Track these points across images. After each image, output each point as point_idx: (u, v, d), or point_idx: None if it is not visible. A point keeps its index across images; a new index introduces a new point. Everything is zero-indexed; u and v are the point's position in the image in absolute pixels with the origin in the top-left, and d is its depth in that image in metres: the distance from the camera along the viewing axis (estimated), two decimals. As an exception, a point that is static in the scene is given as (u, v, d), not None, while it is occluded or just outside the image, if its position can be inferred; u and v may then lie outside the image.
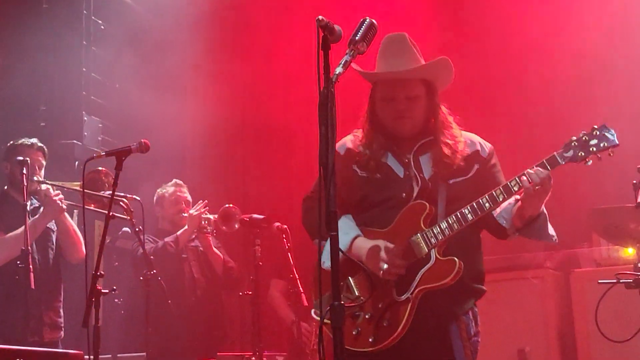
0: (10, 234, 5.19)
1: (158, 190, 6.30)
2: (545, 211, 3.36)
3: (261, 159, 8.28)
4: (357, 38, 2.84)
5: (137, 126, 7.26)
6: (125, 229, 5.72)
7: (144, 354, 5.39)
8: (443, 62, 3.49)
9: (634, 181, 4.06)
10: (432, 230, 3.30)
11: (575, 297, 5.96)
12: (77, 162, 6.63)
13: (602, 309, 4.38)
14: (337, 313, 2.58)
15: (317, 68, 2.76)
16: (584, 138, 3.21)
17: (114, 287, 4.46)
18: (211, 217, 6.05)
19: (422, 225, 3.33)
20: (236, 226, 6.14)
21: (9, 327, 5.07)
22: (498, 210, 3.35)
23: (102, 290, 4.21)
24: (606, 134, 3.19)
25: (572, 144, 3.22)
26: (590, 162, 3.20)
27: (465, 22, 7.65)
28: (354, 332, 3.34)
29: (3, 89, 6.82)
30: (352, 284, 3.41)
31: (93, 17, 7.31)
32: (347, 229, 3.42)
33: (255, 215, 6.15)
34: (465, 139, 3.53)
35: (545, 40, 7.22)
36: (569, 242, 6.80)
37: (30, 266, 4.80)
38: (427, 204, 3.34)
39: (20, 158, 5.22)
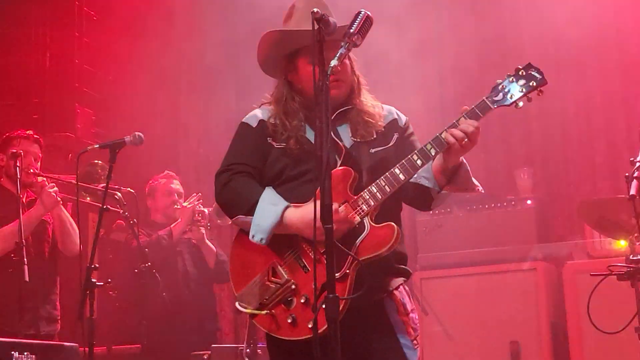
0: (5, 227, 5.17)
1: (150, 182, 6.27)
2: (464, 161, 3.16)
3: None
4: (352, 31, 2.84)
5: (130, 118, 7.26)
6: (120, 221, 5.71)
7: (139, 346, 5.40)
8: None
9: (626, 174, 4.05)
10: (362, 196, 3.05)
11: (567, 289, 5.98)
12: (70, 155, 6.63)
13: (594, 301, 4.38)
14: (332, 305, 2.57)
15: (313, 60, 2.77)
16: (510, 79, 3.06)
17: (109, 280, 4.45)
18: (205, 210, 6.04)
19: (349, 192, 3.07)
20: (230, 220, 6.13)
21: (5, 320, 5.06)
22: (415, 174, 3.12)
23: (97, 283, 4.21)
24: (533, 72, 3.05)
25: (500, 86, 3.06)
26: (521, 104, 3.06)
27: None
28: (288, 320, 3.04)
29: (-5, 82, 6.83)
30: (279, 266, 3.11)
31: (85, 8, 7.30)
32: (275, 199, 3.14)
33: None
34: (382, 109, 3.35)
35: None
36: (562, 234, 6.84)
37: (25, 259, 4.79)
38: (352, 170, 3.09)
39: (15, 150, 5.20)
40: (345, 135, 3.22)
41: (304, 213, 3.03)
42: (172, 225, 5.96)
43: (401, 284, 3.23)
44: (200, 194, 6.11)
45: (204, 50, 8.35)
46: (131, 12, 7.82)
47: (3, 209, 5.27)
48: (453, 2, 7.69)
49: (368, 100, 3.31)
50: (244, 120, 3.38)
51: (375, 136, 3.23)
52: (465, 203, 6.55)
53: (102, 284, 4.28)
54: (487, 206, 6.45)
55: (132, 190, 5.32)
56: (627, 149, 6.73)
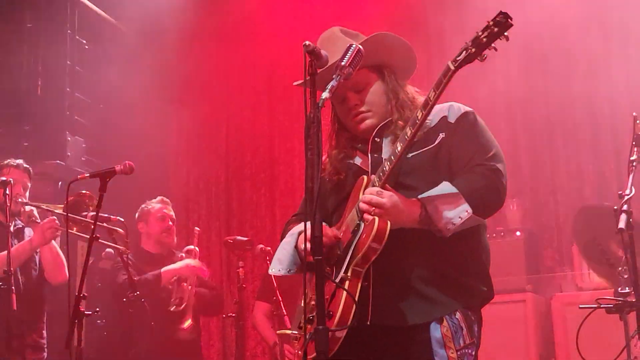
0: None
1: (142, 206, 6.23)
2: (433, 200, 2.81)
3: (245, 180, 8.29)
4: (343, 63, 2.85)
5: (120, 147, 7.26)
6: (109, 250, 5.69)
7: (126, 375, 5.37)
8: (378, 38, 3.09)
9: (615, 207, 4.08)
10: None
11: (556, 321, 5.98)
12: (60, 183, 6.61)
13: (582, 333, 4.39)
14: (321, 337, 2.53)
15: (304, 93, 2.79)
16: (476, 33, 2.68)
17: (97, 309, 4.43)
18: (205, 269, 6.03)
19: (359, 197, 2.90)
20: None
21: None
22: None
23: (85, 312, 4.19)
24: (498, 18, 2.63)
25: (465, 44, 2.71)
26: (485, 57, 2.68)
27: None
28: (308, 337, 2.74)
29: (-14, 109, 6.82)
30: (304, 286, 2.84)
31: (77, 37, 7.32)
32: (296, 230, 3.08)
33: (239, 237, 6.15)
34: (435, 110, 2.99)
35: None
36: (550, 265, 6.86)
37: (13, 287, 4.77)
38: (365, 177, 2.95)
39: (4, 178, 5.19)
40: (386, 147, 3.05)
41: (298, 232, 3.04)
42: (162, 270, 5.86)
43: (459, 311, 2.89)
44: (196, 248, 6.02)
45: (194, 79, 8.39)
46: (123, 40, 7.86)
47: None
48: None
49: (412, 108, 3.05)
50: None
51: (415, 141, 2.90)
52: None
53: (90, 313, 4.25)
54: (476, 237, 6.45)
55: (121, 219, 5.31)
56: (615, 181, 6.78)
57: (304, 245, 2.67)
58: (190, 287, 5.86)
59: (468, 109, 3.10)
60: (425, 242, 2.86)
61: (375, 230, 2.76)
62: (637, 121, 4.36)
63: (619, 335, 4.17)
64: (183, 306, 5.80)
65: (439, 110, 3.06)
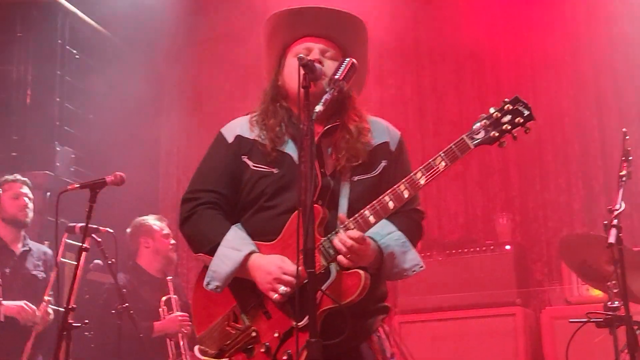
0: None
1: (142, 222, 6.17)
2: (390, 249, 2.91)
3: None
4: (337, 77, 2.86)
5: (110, 157, 7.23)
6: (97, 261, 5.65)
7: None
8: (359, 22, 3.15)
9: (605, 222, 4.09)
10: (330, 239, 2.83)
11: (545, 335, 5.99)
12: (49, 193, 6.57)
13: (572, 348, 4.40)
14: (314, 351, 2.53)
15: (299, 105, 2.78)
16: (495, 115, 2.76)
17: (86, 320, 4.39)
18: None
19: (316, 233, 2.80)
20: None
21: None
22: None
23: (74, 324, 4.16)
24: (520, 107, 2.76)
25: (482, 122, 2.77)
26: (505, 144, 2.77)
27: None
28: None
29: (-26, 119, 6.79)
30: (241, 311, 2.96)
31: (67, 47, 7.31)
32: (238, 242, 2.95)
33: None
34: (374, 127, 3.10)
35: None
36: (540, 279, 6.87)
37: (1, 298, 4.74)
38: (320, 207, 2.86)
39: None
40: (329, 158, 3.02)
41: (266, 263, 2.89)
42: (155, 323, 5.70)
43: (380, 326, 3.08)
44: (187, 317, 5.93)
45: (184, 89, 8.39)
46: (113, 51, 7.85)
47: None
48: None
49: (360, 114, 3.10)
50: (222, 129, 3.22)
51: (360, 161, 3.01)
52: (445, 248, 6.58)
53: (79, 325, 4.21)
54: (466, 251, 6.46)
55: (111, 230, 5.27)
56: (604, 195, 6.81)
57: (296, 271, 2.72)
58: (181, 342, 5.76)
59: (399, 132, 3.21)
60: None
61: (362, 284, 2.78)
62: (627, 137, 4.39)
63: (609, 349, 4.16)
64: None
65: (377, 127, 3.14)
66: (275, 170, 3.03)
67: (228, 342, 2.96)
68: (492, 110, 2.79)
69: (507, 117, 2.76)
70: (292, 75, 3.06)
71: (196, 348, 3.06)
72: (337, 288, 2.80)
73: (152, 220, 6.17)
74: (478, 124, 2.78)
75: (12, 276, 5.25)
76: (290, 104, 3.13)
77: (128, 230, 6.18)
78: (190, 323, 5.74)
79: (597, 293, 5.67)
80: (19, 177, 5.59)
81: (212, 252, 2.98)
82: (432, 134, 7.51)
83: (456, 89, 7.53)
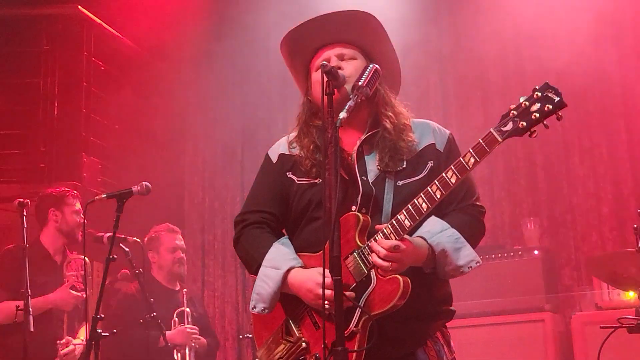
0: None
1: (152, 235, 6.17)
2: (442, 246, 2.84)
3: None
4: (360, 83, 2.84)
5: (136, 168, 7.28)
6: (125, 270, 5.68)
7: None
8: (363, 14, 3.08)
9: (635, 225, 4.04)
10: (369, 246, 2.79)
11: (576, 341, 5.92)
12: (76, 204, 6.62)
13: (604, 354, 4.34)
14: (340, 358, 2.51)
15: (322, 112, 2.77)
16: (524, 104, 2.64)
17: (114, 330, 4.41)
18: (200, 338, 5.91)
19: (357, 241, 2.82)
20: None
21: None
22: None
23: (102, 333, 4.18)
24: (549, 94, 2.61)
25: (511, 114, 2.65)
26: (536, 134, 2.65)
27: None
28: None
29: (3, 130, 6.86)
30: (292, 323, 2.97)
31: (93, 58, 7.37)
32: (278, 260, 2.96)
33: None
34: (418, 129, 3.06)
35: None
36: (569, 284, 6.81)
37: (30, 309, 4.76)
38: (359, 214, 2.85)
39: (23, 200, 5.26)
40: (372, 165, 2.98)
41: (304, 279, 2.88)
42: (166, 332, 5.57)
43: (438, 331, 3.00)
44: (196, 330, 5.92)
45: (209, 100, 8.41)
46: (138, 62, 7.90)
47: (43, 274, 5.30)
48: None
49: (399, 120, 3.03)
50: (268, 151, 3.22)
51: (404, 165, 2.96)
52: (472, 253, 6.53)
53: (107, 334, 4.24)
54: (494, 256, 6.41)
55: (138, 240, 5.31)
56: (634, 199, 6.74)
57: (321, 292, 2.66)
58: (187, 355, 5.75)
59: (448, 131, 3.14)
60: (411, 280, 2.78)
61: (402, 289, 2.72)
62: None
63: (640, 355, 4.11)
64: None
65: (423, 130, 3.08)
66: (317, 181, 3.01)
67: (284, 354, 2.96)
68: (521, 99, 2.67)
69: (537, 106, 2.63)
70: (317, 89, 3.02)
71: None
72: (378, 295, 2.77)
73: (161, 232, 6.13)
74: (507, 115, 2.67)
75: (53, 287, 5.26)
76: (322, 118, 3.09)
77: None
78: (199, 337, 5.74)
79: (628, 297, 5.60)
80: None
81: (257, 272, 3.02)
82: (457, 141, 7.46)
83: (480, 94, 7.49)
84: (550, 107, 2.61)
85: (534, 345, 6.01)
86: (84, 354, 4.24)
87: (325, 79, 2.80)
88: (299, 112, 3.19)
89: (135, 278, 5.39)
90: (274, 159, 3.16)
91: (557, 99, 2.61)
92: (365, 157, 3.01)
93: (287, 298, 2.98)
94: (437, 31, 7.66)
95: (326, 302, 2.69)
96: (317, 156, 3.02)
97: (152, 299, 5.23)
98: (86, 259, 5.35)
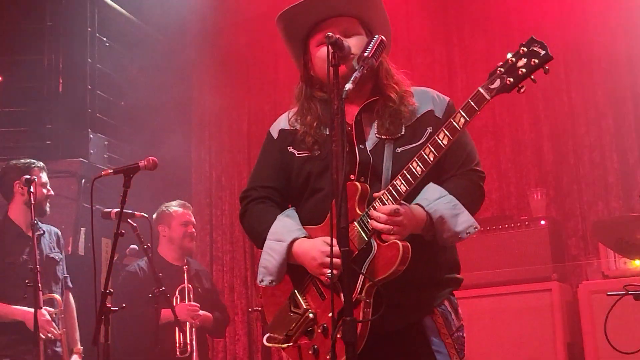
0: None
1: (163, 209, 6.19)
2: (439, 213, 2.85)
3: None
4: (366, 54, 2.84)
5: (142, 143, 7.29)
6: (133, 246, 5.71)
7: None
8: None
9: (640, 193, 4.05)
10: (368, 214, 2.82)
11: (583, 310, 5.94)
12: (83, 180, 6.64)
13: (611, 321, 4.36)
14: (349, 329, 2.52)
15: (328, 84, 2.78)
16: (510, 60, 2.64)
17: (123, 304, 4.44)
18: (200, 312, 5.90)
19: (357, 209, 2.84)
20: None
21: (19, 345, 5.07)
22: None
23: (112, 308, 4.21)
24: (535, 48, 2.60)
25: (498, 71, 2.66)
26: (523, 89, 2.64)
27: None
28: (310, 352, 2.90)
29: (8, 107, 6.87)
30: (299, 295, 3.00)
31: (97, 34, 7.35)
32: (282, 232, 2.99)
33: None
34: (418, 96, 3.06)
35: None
36: (576, 254, 6.82)
37: (39, 284, 4.80)
38: (357, 183, 2.86)
39: (28, 176, 5.24)
40: (371, 134, 3.00)
41: (309, 247, 2.91)
42: (163, 310, 5.46)
43: (446, 299, 3.01)
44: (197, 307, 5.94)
45: (214, 74, 8.40)
46: (143, 37, 7.88)
47: (12, 245, 5.29)
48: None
49: (400, 85, 3.04)
50: (270, 128, 3.25)
51: (403, 132, 2.97)
52: (479, 224, 6.53)
53: (116, 309, 4.27)
54: (500, 227, 6.42)
55: (146, 215, 5.33)
56: (639, 168, 6.73)
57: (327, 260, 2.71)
58: (193, 328, 5.76)
59: (447, 98, 3.11)
60: (414, 248, 2.79)
61: (401, 254, 2.74)
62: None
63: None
64: (188, 353, 5.70)
65: (422, 97, 3.07)
66: (317, 152, 3.04)
67: (292, 326, 2.98)
68: (508, 55, 2.66)
69: (523, 61, 2.62)
70: (321, 64, 3.03)
71: (265, 337, 3.08)
72: (379, 261, 2.78)
73: (174, 207, 6.16)
74: (494, 73, 2.67)
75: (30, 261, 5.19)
76: (326, 91, 3.09)
77: (154, 216, 6.21)
78: (199, 314, 5.75)
79: (634, 265, 5.63)
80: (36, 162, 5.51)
81: (263, 246, 3.05)
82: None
83: (486, 65, 7.46)
84: (537, 61, 2.60)
85: (542, 315, 6.03)
86: (95, 329, 4.25)
87: (331, 50, 2.79)
88: (298, 89, 3.20)
89: (143, 253, 5.42)
90: (275, 135, 3.19)
91: (542, 52, 2.60)
92: (364, 126, 3.01)
93: (293, 270, 3.00)
94: None
95: (329, 270, 2.74)
96: (318, 132, 3.05)
97: (160, 274, 5.25)
98: (56, 296, 5.34)
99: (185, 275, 5.88)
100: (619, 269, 5.97)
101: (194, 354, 5.66)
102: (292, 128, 3.13)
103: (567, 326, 6.05)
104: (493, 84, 2.66)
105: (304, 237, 2.97)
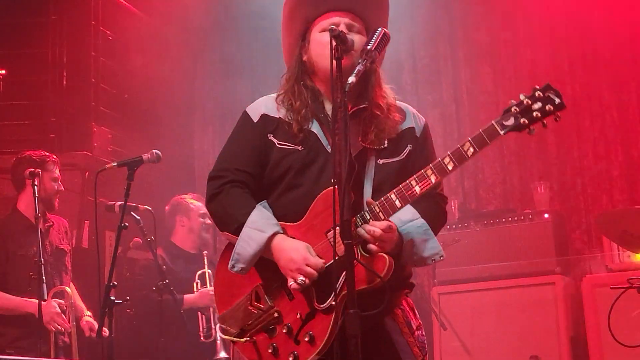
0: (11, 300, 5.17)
1: (182, 201, 6.28)
2: (411, 236, 2.92)
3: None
4: (369, 47, 2.84)
5: (146, 136, 7.29)
6: (137, 239, 5.72)
7: (157, 363, 5.40)
8: None
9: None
10: (355, 222, 2.80)
11: (586, 303, 5.94)
12: (87, 173, 6.65)
13: (614, 314, 4.36)
14: (353, 320, 2.53)
15: (331, 77, 2.77)
16: (525, 102, 2.70)
17: (127, 297, 4.45)
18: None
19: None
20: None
21: (25, 336, 5.09)
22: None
23: (115, 301, 4.22)
24: (551, 95, 2.70)
25: (513, 109, 2.71)
26: (534, 131, 2.72)
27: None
28: (269, 350, 2.90)
29: (13, 101, 6.87)
30: (263, 291, 2.98)
31: (101, 27, 7.34)
32: (262, 223, 2.93)
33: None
34: (400, 112, 3.10)
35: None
36: (579, 247, 6.81)
37: (44, 277, 4.81)
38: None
39: (32, 170, 5.24)
40: (355, 140, 2.97)
41: (290, 248, 2.87)
42: (185, 296, 5.76)
43: (403, 300, 3.07)
44: (209, 271, 5.90)
45: (219, 69, 8.40)
46: (146, 31, 7.87)
47: (23, 237, 5.29)
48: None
49: (386, 97, 3.06)
50: (247, 108, 3.18)
51: (386, 144, 3.01)
52: (483, 218, 6.55)
53: (120, 301, 4.27)
54: (504, 220, 6.42)
55: (149, 208, 5.33)
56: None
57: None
58: (212, 317, 5.78)
59: (424, 119, 3.19)
60: None
61: (387, 267, 2.77)
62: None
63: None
64: (212, 338, 5.74)
65: (405, 115, 3.11)
66: (300, 148, 3.01)
67: (250, 321, 2.97)
68: (522, 97, 2.72)
69: (538, 105, 2.70)
70: (319, 49, 3.04)
71: (218, 327, 3.06)
72: (361, 271, 2.77)
73: (189, 199, 6.26)
74: (509, 110, 2.72)
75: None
76: (316, 80, 3.11)
77: (167, 207, 6.26)
78: None
79: (638, 259, 5.62)
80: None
81: (237, 231, 2.96)
82: (466, 104, 7.47)
83: (490, 59, 7.46)
84: (552, 107, 2.69)
85: (545, 308, 6.04)
86: (99, 321, 4.26)
87: (334, 43, 2.79)
88: (289, 70, 3.17)
89: (147, 246, 5.43)
90: (255, 118, 3.11)
91: (557, 100, 2.69)
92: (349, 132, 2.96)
93: (261, 265, 2.97)
94: None
95: (304, 279, 2.79)
96: (304, 124, 3.01)
97: (164, 267, 5.27)
98: (67, 288, 5.33)
99: (205, 260, 5.92)
100: (622, 263, 5.96)
101: (218, 339, 5.67)
102: (276, 116, 3.07)
103: (571, 319, 6.05)
104: (507, 120, 2.71)
105: (282, 233, 2.94)
